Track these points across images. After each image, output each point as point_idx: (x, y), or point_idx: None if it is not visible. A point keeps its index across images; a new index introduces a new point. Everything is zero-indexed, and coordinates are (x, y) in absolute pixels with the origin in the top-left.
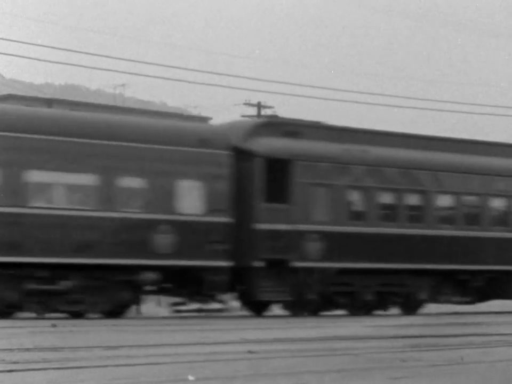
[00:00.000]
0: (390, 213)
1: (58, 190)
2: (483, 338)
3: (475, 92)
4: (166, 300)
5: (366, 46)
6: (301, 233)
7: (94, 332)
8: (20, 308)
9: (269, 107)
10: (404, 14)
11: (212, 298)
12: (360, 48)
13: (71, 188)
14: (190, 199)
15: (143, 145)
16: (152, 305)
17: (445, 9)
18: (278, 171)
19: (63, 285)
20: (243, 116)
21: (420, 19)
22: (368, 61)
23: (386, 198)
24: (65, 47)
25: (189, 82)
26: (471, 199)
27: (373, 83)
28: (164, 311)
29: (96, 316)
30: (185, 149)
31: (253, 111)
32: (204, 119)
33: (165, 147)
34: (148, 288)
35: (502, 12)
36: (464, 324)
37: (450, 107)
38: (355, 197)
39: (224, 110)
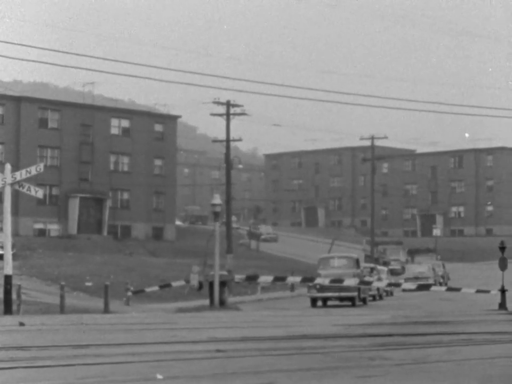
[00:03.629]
0: None
1: None
2: (450, 337)
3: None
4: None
5: (339, 46)
6: None
7: (62, 331)
8: None
9: (238, 105)
10: (378, 14)
11: None
12: (333, 48)
13: None
14: None
15: None
16: (121, 304)
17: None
18: None
19: None
20: (212, 114)
21: (397, 20)
22: (339, 60)
23: None
24: (34, 44)
25: (158, 80)
26: None
27: (344, 82)
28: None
29: None
30: None
31: (222, 109)
32: (173, 117)
33: None
34: None
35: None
36: (432, 323)
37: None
38: None
39: (193, 108)
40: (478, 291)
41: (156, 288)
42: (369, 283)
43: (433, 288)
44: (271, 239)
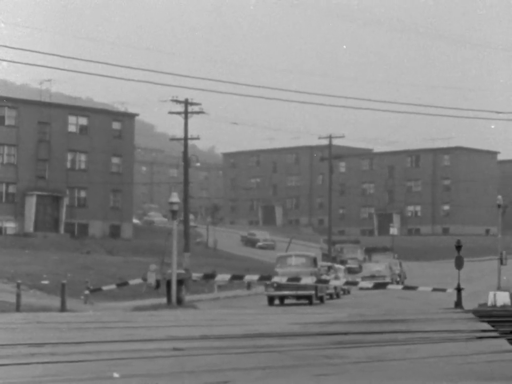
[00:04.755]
0: None
1: None
2: (406, 335)
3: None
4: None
5: (297, 45)
6: None
7: (19, 330)
8: None
9: (196, 104)
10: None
11: None
12: (291, 47)
13: None
14: None
15: None
16: (78, 302)
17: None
18: None
19: None
20: (170, 113)
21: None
22: (296, 59)
23: None
24: None
25: (116, 78)
26: None
27: (302, 81)
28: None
29: None
30: None
31: (180, 107)
32: (131, 115)
33: None
34: None
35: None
36: (389, 321)
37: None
38: None
39: (151, 106)
40: (434, 289)
41: (113, 286)
42: (326, 281)
43: (389, 286)
44: (268, 246)
